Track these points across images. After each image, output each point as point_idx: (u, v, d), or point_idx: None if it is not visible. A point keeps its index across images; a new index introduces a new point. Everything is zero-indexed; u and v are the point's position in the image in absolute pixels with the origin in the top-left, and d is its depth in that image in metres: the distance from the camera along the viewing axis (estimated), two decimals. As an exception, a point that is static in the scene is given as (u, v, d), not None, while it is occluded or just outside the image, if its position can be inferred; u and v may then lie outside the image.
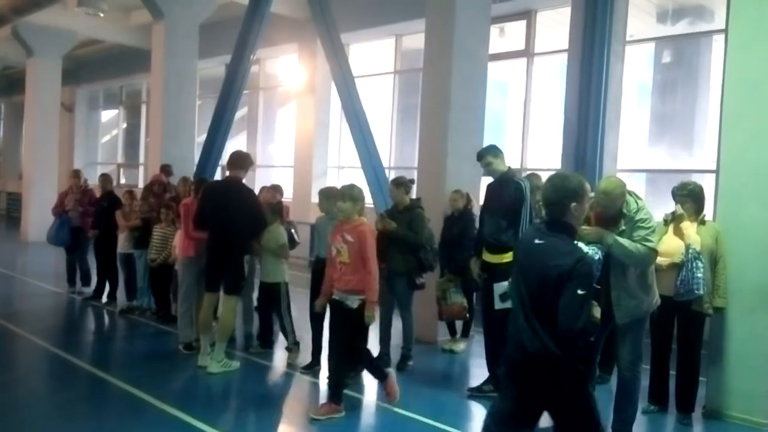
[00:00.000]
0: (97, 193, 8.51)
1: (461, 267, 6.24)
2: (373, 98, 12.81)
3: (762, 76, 4.73)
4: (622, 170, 8.96)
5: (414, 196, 6.19)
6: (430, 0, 7.24)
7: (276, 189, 7.98)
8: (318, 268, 5.52)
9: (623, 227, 3.93)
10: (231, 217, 5.44)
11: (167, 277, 7.09)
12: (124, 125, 20.18)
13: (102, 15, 11.20)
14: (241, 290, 5.88)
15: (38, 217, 14.19)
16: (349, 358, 4.71)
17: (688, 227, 4.67)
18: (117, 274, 8.08)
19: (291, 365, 5.80)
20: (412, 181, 6.01)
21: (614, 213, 3.95)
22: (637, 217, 3.92)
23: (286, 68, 14.11)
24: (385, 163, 12.08)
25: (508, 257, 4.75)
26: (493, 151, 5.07)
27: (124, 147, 20.04)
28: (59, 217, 8.59)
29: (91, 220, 8.25)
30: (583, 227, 3.85)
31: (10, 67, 18.84)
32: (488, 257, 5.03)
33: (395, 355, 5.90)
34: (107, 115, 21.17)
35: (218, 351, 5.52)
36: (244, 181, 5.76)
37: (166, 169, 9.31)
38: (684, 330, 4.73)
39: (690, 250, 4.53)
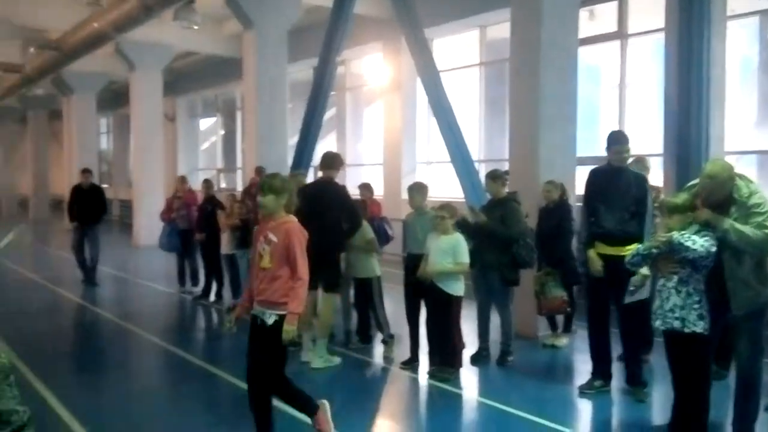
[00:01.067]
0: (200, 198, 8.98)
1: (560, 259, 6.14)
2: (459, 92, 12.75)
3: None
4: (730, 153, 8.44)
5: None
6: (516, -12, 7.09)
7: (365, 187, 8.12)
8: (410, 264, 5.60)
9: (734, 214, 3.71)
10: (327, 217, 5.58)
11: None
12: (222, 132, 21.11)
13: (196, 27, 11.76)
14: (339, 288, 6.01)
15: (147, 222, 15.16)
16: (272, 384, 3.84)
17: None
18: (222, 274, 8.50)
19: (388, 359, 5.89)
20: (507, 173, 5.93)
21: (722, 199, 3.73)
22: (751, 202, 3.69)
23: (372, 67, 14.26)
24: (474, 157, 12.02)
25: (632, 249, 4.58)
26: (627, 138, 4.95)
27: (223, 152, 20.98)
28: (168, 224, 9.14)
29: (196, 223, 8.72)
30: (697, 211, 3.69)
31: (115, 81, 20.16)
32: (606, 249, 4.81)
33: (494, 351, 5.86)
34: (206, 123, 22.22)
35: (320, 347, 5.68)
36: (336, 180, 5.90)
37: (260, 171, 9.64)
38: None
39: None
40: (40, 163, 25.10)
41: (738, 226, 3.62)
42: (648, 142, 9.27)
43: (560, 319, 6.53)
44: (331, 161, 5.89)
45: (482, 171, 10.66)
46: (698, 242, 3.62)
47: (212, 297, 8.69)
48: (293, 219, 3.84)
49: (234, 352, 6.59)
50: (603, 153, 5.07)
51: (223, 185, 19.27)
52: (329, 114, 17.04)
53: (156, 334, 7.00)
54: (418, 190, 5.79)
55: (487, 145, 12.42)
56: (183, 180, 9.65)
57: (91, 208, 9.93)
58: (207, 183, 8.95)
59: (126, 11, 11.29)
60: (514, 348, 5.88)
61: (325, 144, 17.15)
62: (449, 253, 5.24)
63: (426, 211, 5.71)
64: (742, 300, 3.72)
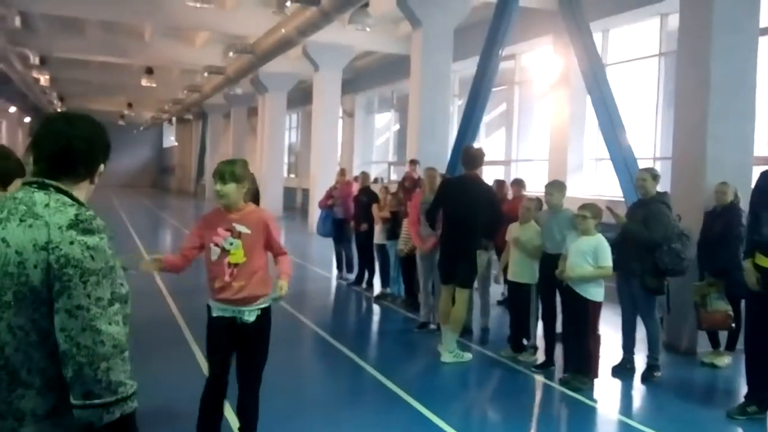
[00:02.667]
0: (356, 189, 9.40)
1: (724, 269, 5.52)
2: (637, 84, 11.91)
3: None
4: None
5: (662, 188, 5.62)
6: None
7: (517, 183, 7.97)
8: (546, 265, 5.42)
9: None
10: (470, 214, 5.57)
11: (415, 266, 7.55)
12: (396, 127, 21.84)
13: (368, 29, 12.30)
14: (473, 283, 5.96)
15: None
16: (258, 387, 3.55)
17: None
18: (374, 263, 8.88)
19: (523, 362, 5.73)
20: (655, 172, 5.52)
21: None
22: None
23: (542, 61, 13.84)
24: (649, 154, 11.18)
25: None
26: None
27: (395, 146, 21.71)
28: (324, 211, 9.71)
29: (352, 213, 9.16)
30: None
31: (304, 81, 21.79)
32: (766, 262, 4.33)
33: (641, 364, 5.46)
34: (383, 119, 23.14)
35: (450, 342, 5.70)
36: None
37: (414, 164, 9.77)
38: None
39: None
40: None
41: None
42: None
43: (724, 335, 5.88)
44: (475, 158, 5.86)
45: (659, 168, 9.88)
46: None
47: (364, 285, 9.12)
48: (257, 206, 3.59)
49: (371, 338, 7.04)
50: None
51: (393, 177, 19.94)
52: (499, 109, 16.88)
53: (307, 316, 7.48)
54: (557, 188, 5.58)
55: (664, 141, 11.45)
56: (342, 173, 10.22)
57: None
58: (363, 175, 9.39)
59: (307, 17, 12.20)
60: (664, 363, 5.42)
61: (493, 139, 17.05)
62: (590, 255, 4.97)
63: (563, 210, 5.47)
64: None
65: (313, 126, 17.96)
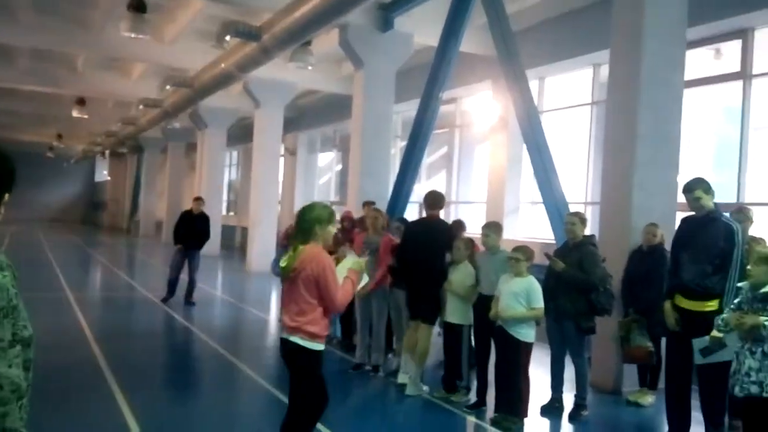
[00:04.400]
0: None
1: (648, 307, 5.70)
2: (571, 131, 12.37)
3: None
4: None
5: (590, 231, 5.81)
6: (615, 25, 6.85)
7: (458, 224, 8.04)
8: (481, 306, 5.47)
9: None
10: (431, 253, 5.84)
11: (353, 307, 7.46)
12: (339, 167, 21.92)
13: (310, 68, 12.41)
14: (436, 320, 6.08)
15: (261, 249, 16.01)
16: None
17: None
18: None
19: (455, 403, 5.70)
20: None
21: None
22: None
23: (481, 105, 14.25)
24: (581, 198, 11.56)
25: (711, 305, 4.32)
26: (704, 185, 4.59)
27: (337, 186, 21.74)
28: (282, 249, 9.52)
29: None
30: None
31: (246, 117, 21.68)
32: (685, 303, 4.52)
33: (569, 403, 5.52)
34: (325, 158, 23.18)
35: (416, 375, 5.86)
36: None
37: (369, 206, 9.65)
38: None
39: None
40: (175, 189, 27.30)
41: None
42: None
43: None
44: (436, 200, 6.19)
45: (591, 213, 10.22)
46: None
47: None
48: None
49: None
50: (744, 199, 4.71)
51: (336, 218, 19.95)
52: (441, 152, 17.21)
53: (238, 356, 7.26)
54: (494, 229, 5.68)
55: (596, 186, 11.89)
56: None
57: (196, 234, 10.49)
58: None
59: (247, 53, 12.19)
60: (590, 402, 5.51)
61: (434, 181, 17.32)
62: (522, 297, 5.04)
63: (500, 252, 5.56)
64: None
65: (254, 163, 17.82)
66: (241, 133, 24.28)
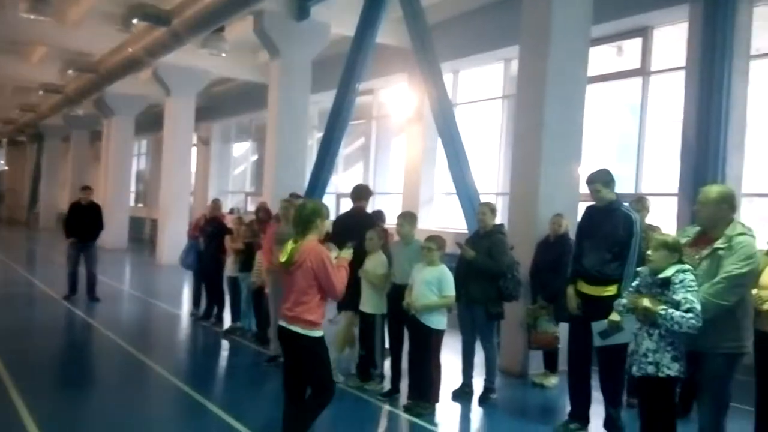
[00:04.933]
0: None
1: (555, 294, 5.95)
2: (484, 124, 12.69)
3: None
4: (748, 195, 8.14)
5: (499, 221, 5.99)
6: (524, 22, 7.07)
7: (377, 215, 8.08)
8: (395, 295, 5.52)
9: (722, 248, 3.61)
10: (360, 244, 5.72)
11: (265, 300, 7.36)
12: (254, 157, 21.50)
13: (224, 55, 12.08)
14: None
15: (171, 242, 15.47)
16: None
17: None
18: (223, 297, 8.54)
19: (369, 391, 5.75)
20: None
21: (715, 224, 3.69)
22: (734, 242, 3.60)
23: (397, 97, 14.37)
24: (493, 189, 11.90)
25: (610, 290, 4.53)
26: (604, 177, 4.78)
27: (253, 177, 21.33)
28: (191, 242, 9.17)
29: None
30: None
31: (156, 105, 20.82)
32: (586, 289, 4.73)
33: (479, 387, 5.70)
34: (241, 148, 22.67)
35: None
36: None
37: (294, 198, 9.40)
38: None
39: None
40: (78, 180, 25.91)
41: (676, 314, 3.45)
42: (668, 181, 9.03)
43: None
44: (362, 192, 6.35)
45: (500, 204, 10.54)
46: (684, 325, 3.46)
47: (212, 319, 8.73)
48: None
49: (211, 372, 6.69)
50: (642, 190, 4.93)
51: (250, 208, 19.55)
52: (358, 143, 17.23)
53: (147, 354, 6.99)
54: (408, 219, 5.73)
55: (507, 178, 12.27)
56: (216, 203, 9.47)
57: (88, 225, 9.99)
58: (213, 204, 9.03)
59: (156, 38, 11.71)
60: (499, 385, 5.70)
61: (352, 173, 17.32)
62: (434, 285, 5.14)
63: (413, 241, 5.63)
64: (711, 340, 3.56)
65: (164, 153, 17.17)
66: (151, 122, 23.31)
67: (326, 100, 15.43)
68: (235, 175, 22.59)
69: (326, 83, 13.49)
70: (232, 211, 17.63)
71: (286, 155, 11.60)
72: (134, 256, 18.92)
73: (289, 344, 3.91)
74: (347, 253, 4.11)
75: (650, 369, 3.57)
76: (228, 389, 6.17)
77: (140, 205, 26.51)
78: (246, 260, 7.83)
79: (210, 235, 8.48)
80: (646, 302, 3.56)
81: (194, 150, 20.37)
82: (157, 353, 7.22)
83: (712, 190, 3.78)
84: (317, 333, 3.84)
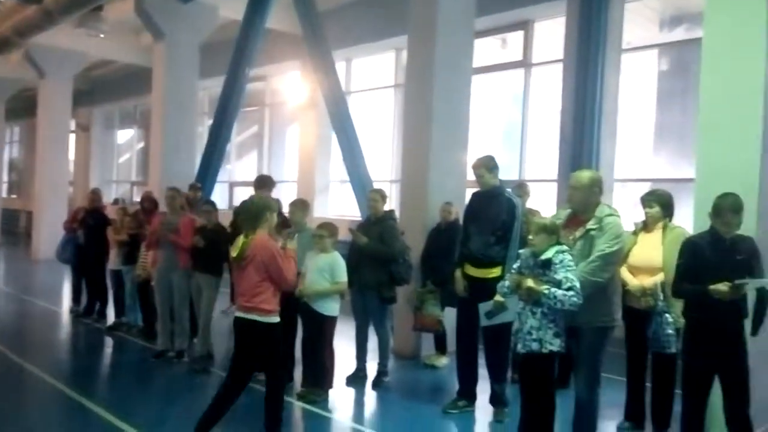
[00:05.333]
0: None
1: (444, 279, 6.14)
2: (377, 112, 12.79)
3: (736, 85, 4.57)
4: (620, 180, 8.78)
5: (390, 207, 6.10)
6: (412, 15, 7.20)
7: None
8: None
9: (593, 228, 3.85)
10: None
11: (152, 293, 7.08)
12: (141, 144, 20.48)
13: (102, 36, 11.40)
14: None
15: (48, 235, 14.45)
16: None
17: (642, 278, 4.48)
18: (106, 291, 8.13)
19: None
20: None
21: (587, 207, 3.91)
22: (604, 223, 3.85)
23: (291, 84, 14.18)
24: (387, 177, 12.07)
25: (495, 272, 4.70)
26: (487, 163, 4.94)
27: (140, 165, 20.32)
28: (68, 234, 8.62)
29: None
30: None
31: (29, 89, 19.28)
32: (472, 271, 4.90)
33: (373, 371, 5.79)
34: (125, 135, 21.51)
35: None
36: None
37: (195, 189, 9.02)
38: (656, 343, 4.52)
39: (658, 304, 4.38)
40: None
41: (559, 293, 3.66)
42: (549, 168, 9.54)
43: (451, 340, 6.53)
44: (265, 181, 6.26)
45: (394, 191, 10.69)
46: (566, 302, 3.66)
47: (95, 315, 8.29)
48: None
49: (93, 371, 6.37)
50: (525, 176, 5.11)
51: (136, 199, 18.67)
52: (251, 131, 16.84)
53: (24, 356, 6.54)
54: (300, 206, 5.70)
55: (399, 165, 12.46)
56: (95, 193, 8.87)
57: None
58: (94, 194, 8.53)
59: (27, 16, 10.85)
60: (392, 368, 5.83)
61: (245, 161, 16.93)
62: (327, 272, 5.16)
63: (306, 229, 5.62)
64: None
65: (39, 140, 15.97)
66: (24, 107, 21.54)
67: (217, 86, 14.96)
68: (120, 163, 21.42)
69: (216, 68, 13.06)
70: (116, 202, 16.75)
71: (173, 143, 11.15)
72: (7, 250, 17.54)
73: (244, 333, 4.12)
74: (292, 244, 4.31)
75: (534, 345, 3.76)
76: (113, 388, 5.88)
77: (13, 196, 24.56)
78: (130, 252, 7.47)
79: (91, 228, 8.01)
80: (529, 282, 3.74)
81: (73, 137, 19.10)
82: (35, 354, 6.76)
83: (584, 175, 4.02)
84: (273, 319, 4.09)
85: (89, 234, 8.04)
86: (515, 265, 4.03)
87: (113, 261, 7.77)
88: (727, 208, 3.63)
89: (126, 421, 4.63)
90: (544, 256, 3.78)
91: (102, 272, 8.01)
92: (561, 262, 3.74)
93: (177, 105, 11.22)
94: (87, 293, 8.43)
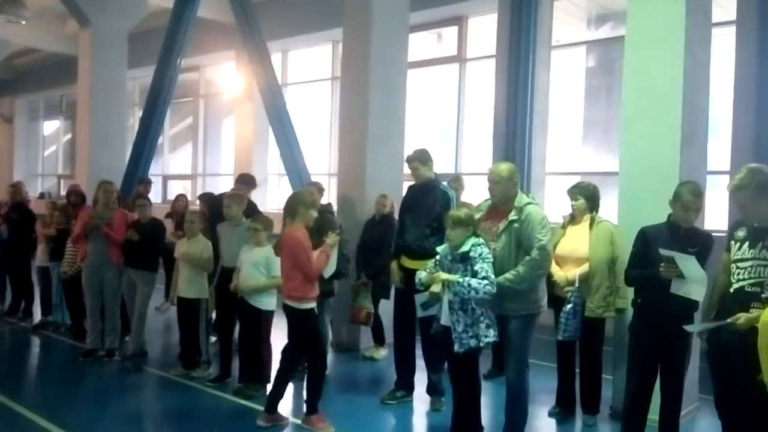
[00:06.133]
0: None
1: (378, 272, 6.19)
2: (315, 104, 12.72)
3: (656, 80, 4.79)
4: (551, 173, 9.06)
5: (328, 200, 6.13)
6: (346, 8, 7.20)
7: (203, 198, 7.80)
8: (224, 278, 5.43)
9: (515, 219, 3.96)
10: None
11: (81, 289, 6.84)
12: (68, 136, 19.65)
13: (24, 23, 10.88)
14: None
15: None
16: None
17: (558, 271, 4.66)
18: (32, 288, 7.80)
19: (196, 378, 5.62)
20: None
21: (507, 199, 4.01)
22: (524, 213, 3.97)
23: (226, 75, 13.92)
24: (325, 170, 12.03)
25: (430, 264, 4.74)
26: (421, 156, 4.99)
27: (66, 158, 19.51)
28: None
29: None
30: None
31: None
32: (408, 263, 4.96)
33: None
34: (51, 126, 20.59)
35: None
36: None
37: (145, 184, 8.72)
38: (584, 331, 4.71)
39: (573, 294, 4.55)
40: None
41: (473, 281, 3.75)
42: (483, 161, 9.75)
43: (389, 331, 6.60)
44: (244, 179, 6.61)
45: (332, 184, 10.67)
46: (480, 290, 3.75)
47: (20, 314, 7.95)
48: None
49: (14, 372, 6.10)
50: (461, 170, 5.20)
51: (63, 192, 17.93)
52: (186, 122, 16.42)
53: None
54: (235, 200, 5.64)
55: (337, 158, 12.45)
56: (16, 186, 8.53)
57: None
58: (14, 187, 8.15)
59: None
60: (332, 361, 5.86)
61: (180, 153, 16.52)
62: (262, 266, 5.11)
63: (241, 223, 5.55)
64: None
65: (-45, 131, 15.15)
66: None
67: (147, 75, 14.51)
68: (46, 156, 20.51)
69: (146, 58, 12.69)
70: (43, 196, 16.06)
71: (102, 134, 10.78)
72: None
73: (286, 316, 4.54)
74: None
75: (472, 342, 3.84)
76: (40, 389, 5.66)
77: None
78: (56, 248, 7.20)
79: (15, 222, 7.67)
80: (443, 276, 3.85)
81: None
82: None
83: (502, 168, 4.09)
84: (306, 305, 4.45)
85: (13, 229, 7.69)
86: (430, 263, 4.07)
87: (40, 257, 7.48)
88: (686, 191, 3.73)
89: (56, 423, 4.49)
90: (461, 250, 3.86)
91: (27, 268, 7.71)
92: (480, 255, 3.83)
93: (105, 95, 10.85)
94: (12, 291, 8.08)
